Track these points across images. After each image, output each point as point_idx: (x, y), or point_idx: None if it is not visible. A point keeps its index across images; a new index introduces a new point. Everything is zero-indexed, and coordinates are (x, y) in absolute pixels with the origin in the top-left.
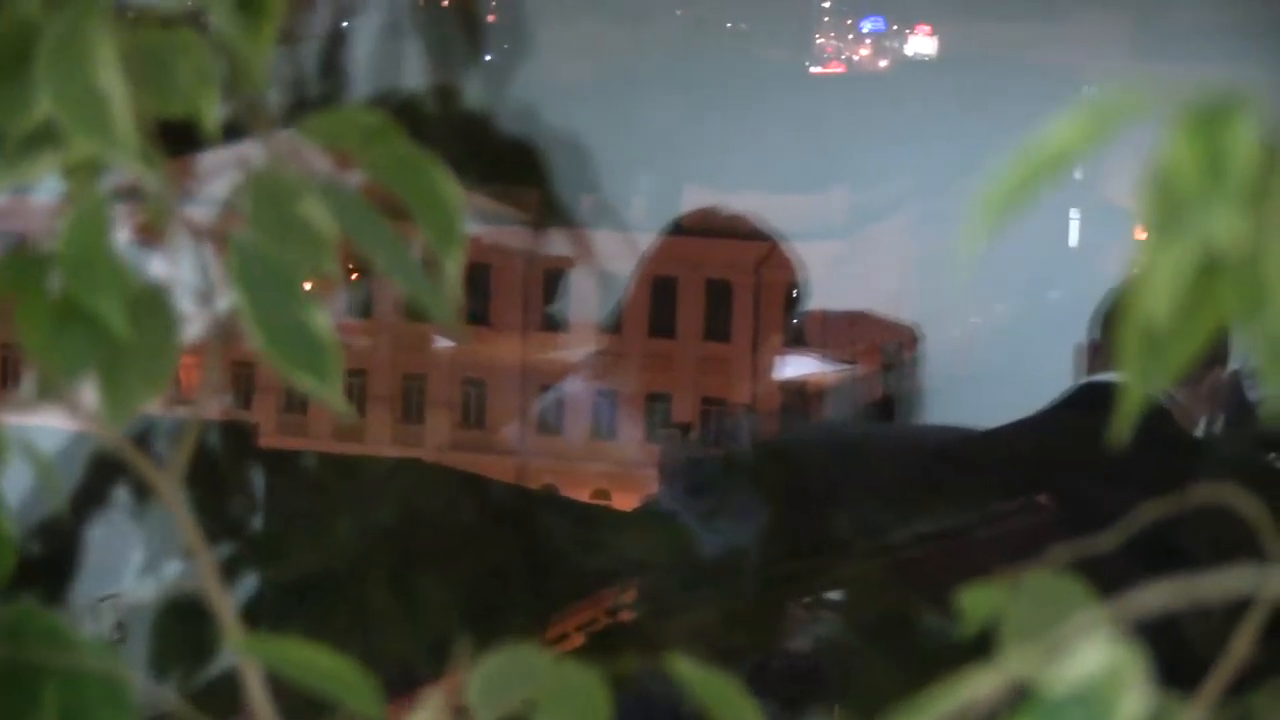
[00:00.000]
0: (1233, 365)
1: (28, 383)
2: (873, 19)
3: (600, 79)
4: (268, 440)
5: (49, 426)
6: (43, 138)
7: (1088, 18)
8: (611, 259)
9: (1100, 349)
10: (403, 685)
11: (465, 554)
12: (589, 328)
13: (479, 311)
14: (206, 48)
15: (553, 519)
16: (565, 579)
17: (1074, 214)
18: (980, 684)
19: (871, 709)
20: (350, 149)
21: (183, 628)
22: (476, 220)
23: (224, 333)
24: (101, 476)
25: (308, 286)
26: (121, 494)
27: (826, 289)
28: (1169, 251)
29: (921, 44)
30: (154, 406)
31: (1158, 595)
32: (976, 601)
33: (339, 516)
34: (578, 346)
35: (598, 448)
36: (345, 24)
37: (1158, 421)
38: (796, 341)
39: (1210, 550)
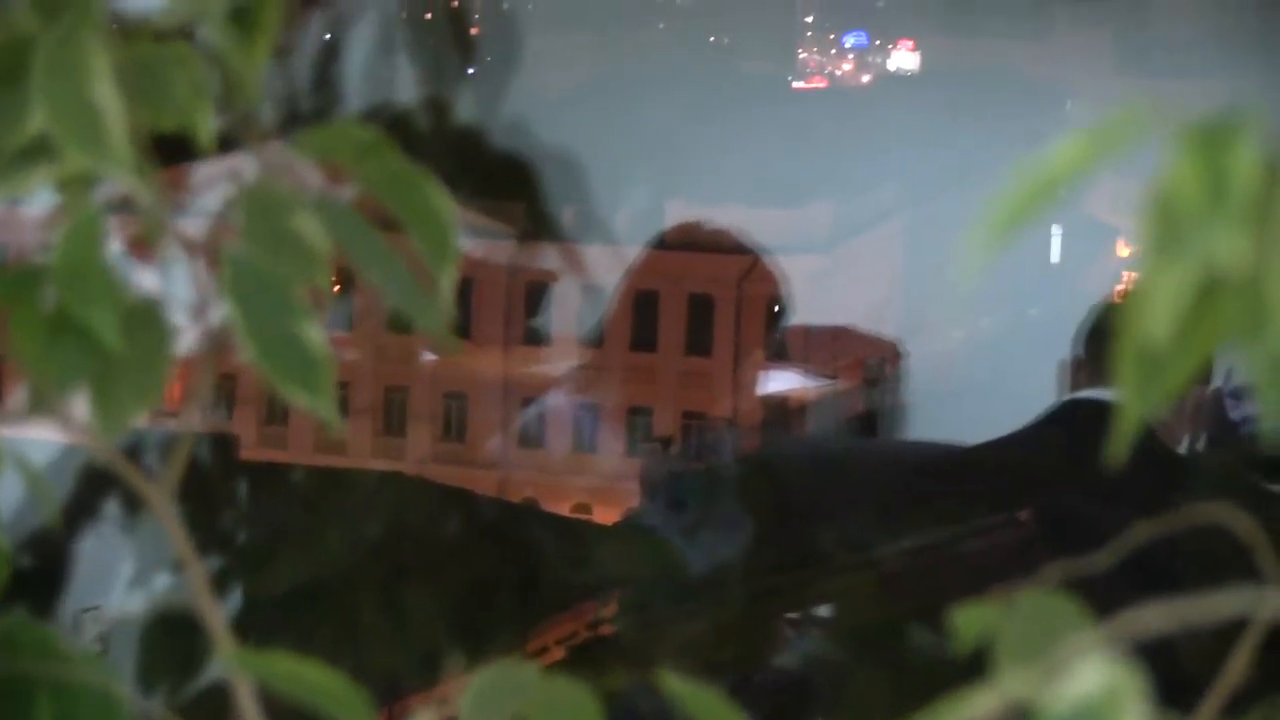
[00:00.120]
0: (1214, 384)
1: (19, 395)
2: (855, 34)
3: (583, 93)
4: (248, 453)
5: (36, 439)
6: (37, 150)
7: (1070, 32)
8: (594, 273)
9: (1083, 365)
10: (386, 696)
11: (446, 567)
12: (571, 341)
13: (461, 325)
14: (200, 61)
15: (534, 532)
16: (546, 592)
17: (1056, 229)
18: (979, 704)
19: None
20: (344, 163)
21: (170, 641)
22: (461, 234)
23: (215, 345)
24: (91, 489)
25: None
26: (110, 507)
27: (809, 303)
28: (1169, 271)
29: (904, 59)
30: (142, 419)
31: (1154, 616)
32: (969, 620)
33: (321, 529)
34: (560, 360)
35: (579, 461)
36: (336, 38)
37: (1143, 439)
38: (779, 356)
39: (1196, 567)
